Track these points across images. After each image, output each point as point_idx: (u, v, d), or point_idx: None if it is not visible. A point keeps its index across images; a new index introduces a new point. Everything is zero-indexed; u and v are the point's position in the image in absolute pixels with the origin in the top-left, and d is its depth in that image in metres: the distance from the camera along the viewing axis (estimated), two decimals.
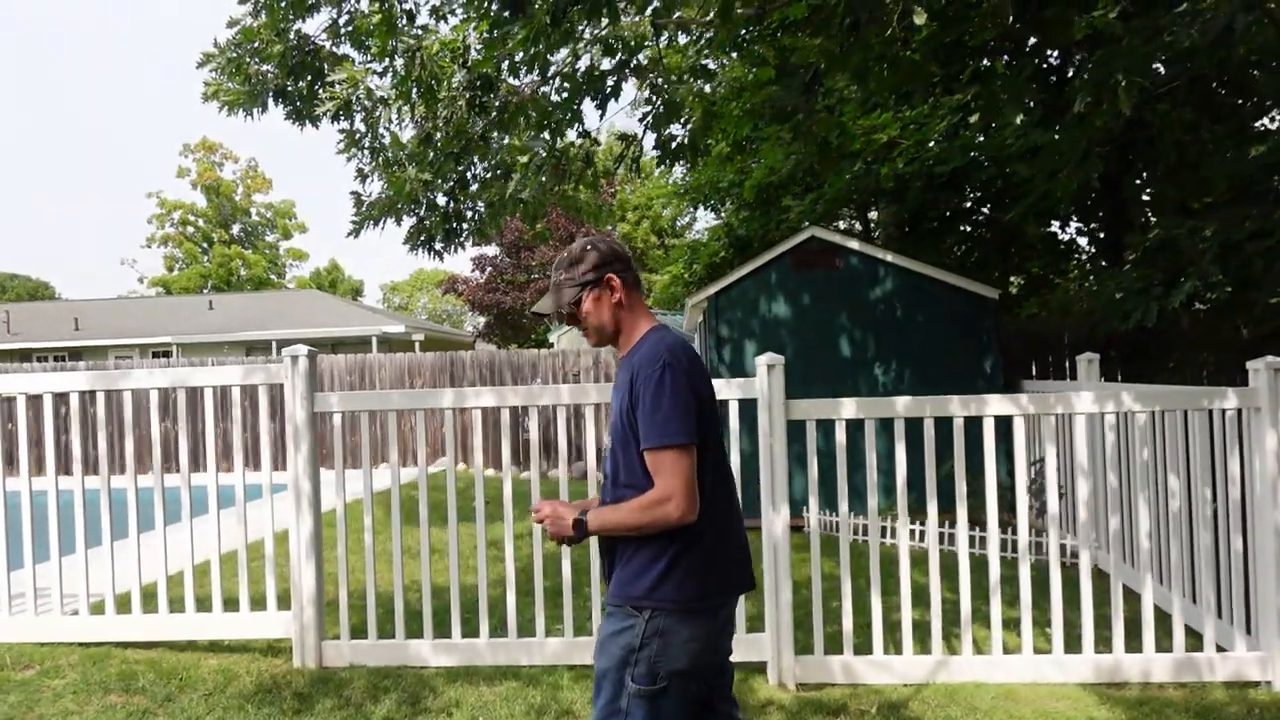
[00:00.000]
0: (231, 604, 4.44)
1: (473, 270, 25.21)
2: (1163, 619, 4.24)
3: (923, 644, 4.16)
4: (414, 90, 4.70)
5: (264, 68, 6.23)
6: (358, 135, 7.02)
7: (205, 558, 5.46)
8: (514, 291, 23.91)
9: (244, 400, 10.67)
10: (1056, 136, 5.28)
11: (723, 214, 10.80)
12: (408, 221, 7.51)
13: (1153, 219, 7.80)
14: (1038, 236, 8.95)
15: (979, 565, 5.31)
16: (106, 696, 3.84)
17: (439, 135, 5.44)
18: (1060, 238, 10.65)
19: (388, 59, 4.79)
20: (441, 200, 6.87)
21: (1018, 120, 4.17)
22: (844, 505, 4.13)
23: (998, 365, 7.35)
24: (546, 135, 5.04)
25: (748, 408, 4.48)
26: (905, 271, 7.42)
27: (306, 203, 77.88)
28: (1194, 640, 4.12)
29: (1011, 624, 4.57)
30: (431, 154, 5.57)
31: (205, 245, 39.09)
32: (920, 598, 4.81)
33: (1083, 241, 10.95)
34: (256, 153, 71.16)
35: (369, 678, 4.03)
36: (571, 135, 5.95)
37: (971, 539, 6.20)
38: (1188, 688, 3.90)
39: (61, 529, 4.41)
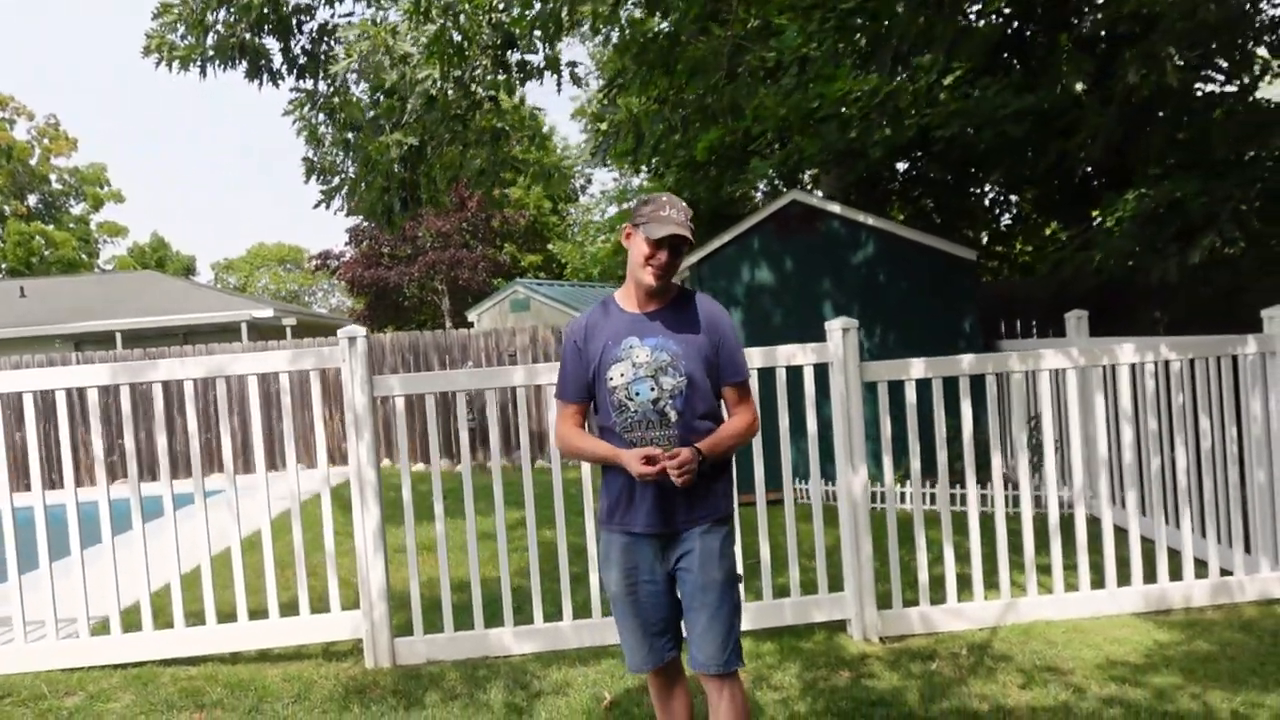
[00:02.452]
0: (288, 608, 4.51)
1: (347, 243, 24.52)
2: (1173, 554, 4.95)
3: (980, 591, 4.74)
4: (447, 49, 4.82)
5: (218, 19, 6.15)
6: (318, 96, 7.02)
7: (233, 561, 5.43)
8: (399, 266, 23.44)
9: (264, 390, 10.32)
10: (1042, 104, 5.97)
11: (666, 176, 11.16)
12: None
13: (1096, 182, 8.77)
14: (998, 204, 9.82)
15: (1007, 519, 6.00)
16: (179, 715, 3.90)
17: (441, 97, 5.56)
18: (998, 201, 11.71)
19: (419, 16, 4.88)
20: (397, 168, 6.97)
21: (1078, 88, 4.79)
22: (915, 464, 4.65)
23: (976, 326, 8.13)
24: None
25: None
26: (886, 235, 8.06)
27: (121, 168, 72.52)
28: (1201, 568, 4.86)
29: (1044, 568, 5.23)
30: (431, 115, 5.67)
31: None
32: (960, 552, 5.37)
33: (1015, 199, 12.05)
34: (56, 108, 65.62)
35: (457, 670, 4.25)
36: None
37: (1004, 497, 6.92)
38: (1224, 609, 4.68)
39: (76, 539, 4.35)
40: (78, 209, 39.52)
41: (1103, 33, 5.04)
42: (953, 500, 6.81)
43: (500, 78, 5.39)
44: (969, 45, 4.34)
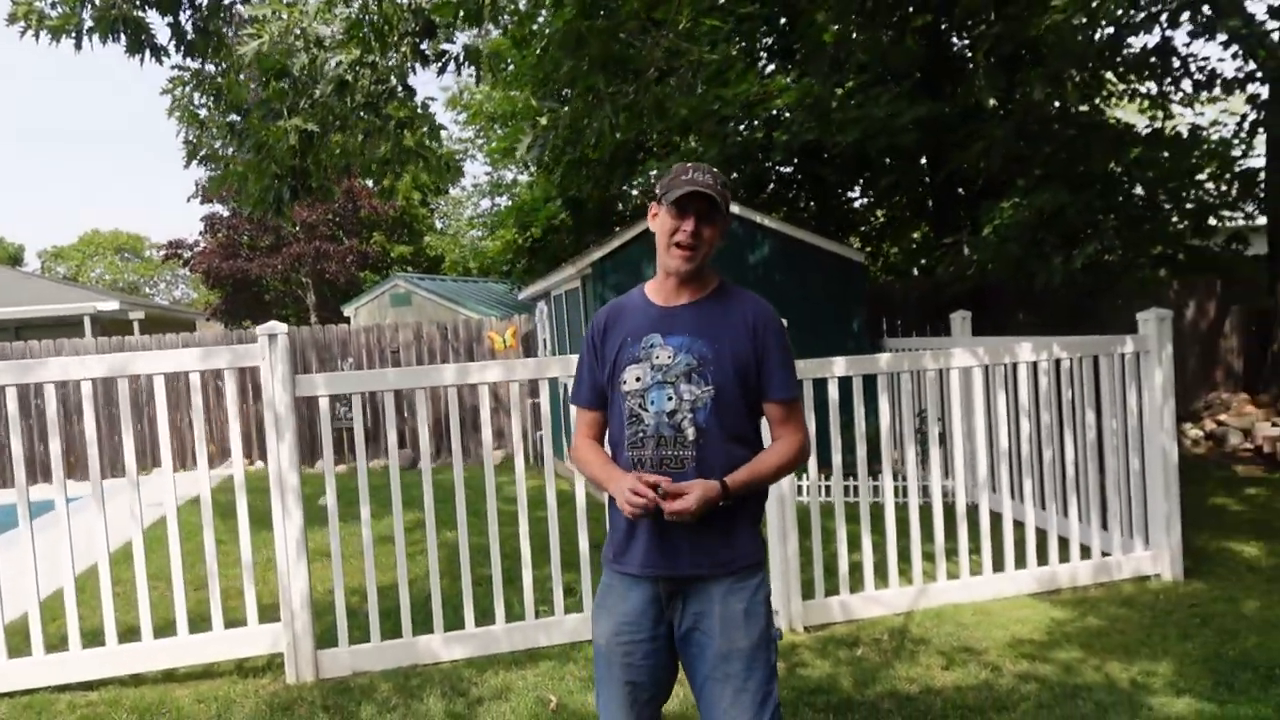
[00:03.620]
0: (199, 623, 4.21)
1: (202, 232, 22.99)
2: (1047, 537, 5.29)
3: (894, 578, 4.91)
4: (369, 34, 4.58)
5: None
6: (204, 77, 6.60)
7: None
8: (260, 258, 22.16)
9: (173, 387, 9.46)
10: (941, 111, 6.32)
11: (555, 172, 11.04)
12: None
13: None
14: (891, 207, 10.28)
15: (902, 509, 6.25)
16: None
17: (355, 83, 5.30)
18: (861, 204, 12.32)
19: None
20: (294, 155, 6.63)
21: (990, 103, 5.06)
22: (837, 459, 4.79)
23: (864, 325, 8.45)
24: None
25: None
26: (782, 236, 8.26)
27: None
28: (1085, 551, 5.24)
29: (950, 555, 5.47)
30: (342, 101, 5.39)
31: None
32: (856, 543, 5.49)
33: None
34: None
35: (388, 680, 4.08)
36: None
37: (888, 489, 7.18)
38: (1105, 586, 5.05)
39: None
40: None
41: (993, 53, 5.40)
42: (866, 492, 7.05)
43: (417, 66, 5.18)
44: (898, 56, 4.55)
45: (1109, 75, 8.17)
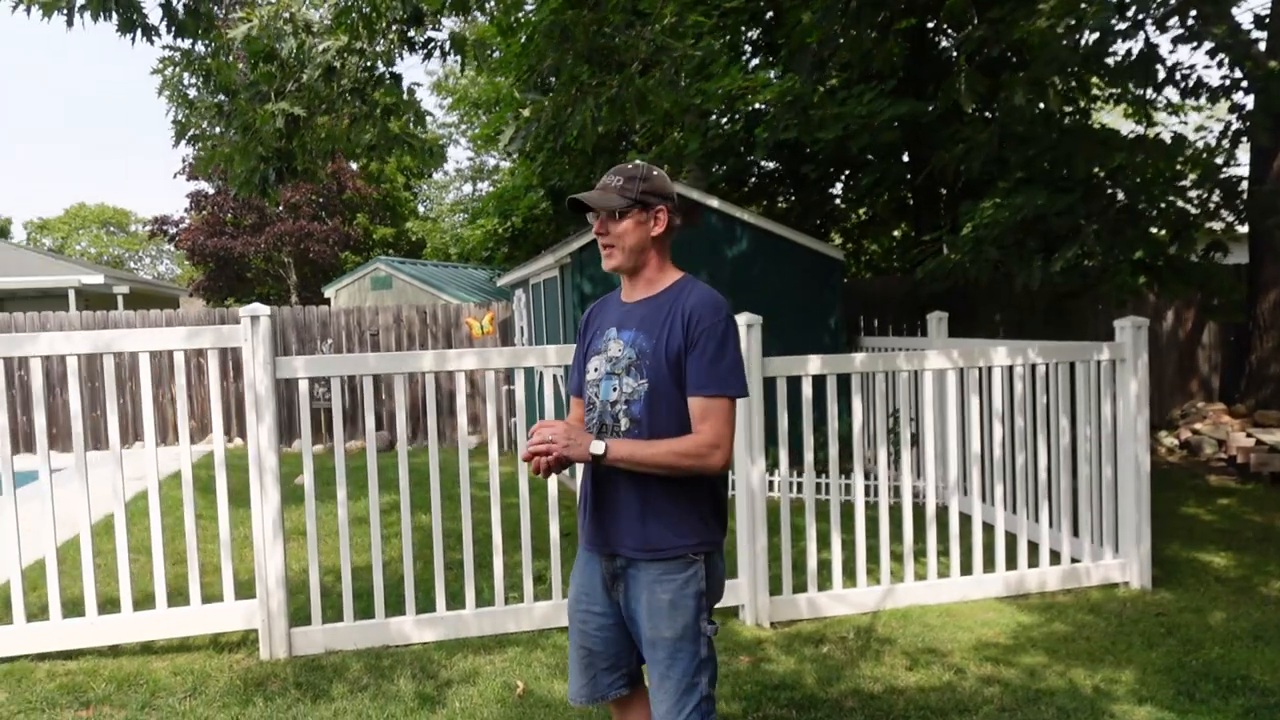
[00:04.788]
0: (177, 597, 4.32)
1: (188, 209, 22.95)
2: (1016, 541, 5.44)
3: (862, 578, 5.03)
4: (357, 21, 4.67)
5: None
6: (194, 57, 6.68)
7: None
8: (244, 236, 22.17)
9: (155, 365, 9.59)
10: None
11: (536, 159, 11.09)
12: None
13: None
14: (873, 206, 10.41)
15: (872, 508, 6.38)
16: (62, 714, 3.67)
17: (343, 68, 5.39)
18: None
19: None
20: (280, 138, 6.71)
21: (970, 109, 5.18)
22: (809, 456, 4.91)
23: (841, 323, 8.57)
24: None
25: None
26: (760, 231, 8.35)
27: None
28: (1054, 556, 5.37)
29: (919, 556, 5.59)
30: (329, 87, 5.48)
31: None
32: (825, 541, 5.61)
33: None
34: None
35: (360, 660, 4.19)
36: None
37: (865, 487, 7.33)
38: (1073, 593, 5.17)
39: None
40: None
41: (977, 56, 5.51)
42: (837, 490, 7.19)
43: (404, 53, 5.28)
44: (881, 57, 4.67)
45: (1093, 80, 8.29)
